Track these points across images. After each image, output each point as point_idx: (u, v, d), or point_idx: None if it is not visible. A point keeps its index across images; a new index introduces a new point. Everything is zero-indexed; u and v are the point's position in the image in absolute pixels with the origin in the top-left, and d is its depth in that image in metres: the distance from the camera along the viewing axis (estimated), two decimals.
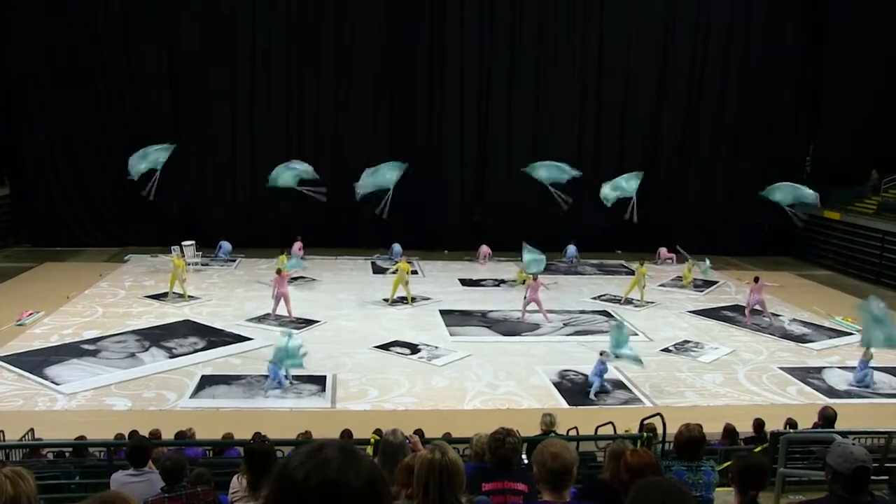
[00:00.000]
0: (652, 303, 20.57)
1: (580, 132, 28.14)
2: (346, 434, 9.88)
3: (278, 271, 18.23)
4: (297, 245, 23.79)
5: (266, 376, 13.80)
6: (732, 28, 28.00)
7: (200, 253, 23.92)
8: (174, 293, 19.62)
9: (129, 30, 25.80)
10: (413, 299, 19.88)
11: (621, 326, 14.79)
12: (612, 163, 28.44)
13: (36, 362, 14.63)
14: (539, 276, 19.13)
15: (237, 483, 5.08)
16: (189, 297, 19.53)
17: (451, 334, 17.45)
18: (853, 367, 15.48)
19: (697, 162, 28.59)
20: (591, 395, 13.79)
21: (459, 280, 22.96)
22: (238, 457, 8.38)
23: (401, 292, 19.81)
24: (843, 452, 3.44)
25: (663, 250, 25.67)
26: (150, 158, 21.40)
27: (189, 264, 23.09)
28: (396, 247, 24.66)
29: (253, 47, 26.61)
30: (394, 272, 20.07)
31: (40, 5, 24.94)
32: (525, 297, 18.68)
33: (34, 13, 24.98)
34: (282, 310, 18.03)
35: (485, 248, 25.51)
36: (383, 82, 27.26)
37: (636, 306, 20.16)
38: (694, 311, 19.97)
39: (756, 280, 18.76)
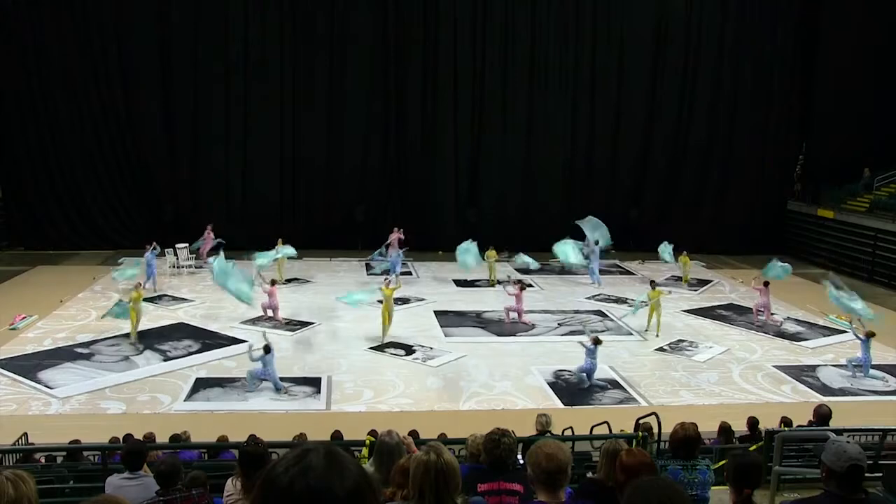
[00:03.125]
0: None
1: (574, 132, 28.18)
2: (337, 435, 9.86)
3: (272, 282, 18.24)
4: (209, 234, 23.67)
5: (264, 379, 13.78)
6: (725, 27, 28.06)
7: (194, 255, 23.87)
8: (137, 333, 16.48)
9: (120, 31, 25.72)
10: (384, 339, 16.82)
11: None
12: (606, 163, 28.54)
13: (29, 366, 14.58)
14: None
15: (232, 486, 5.06)
16: (136, 335, 16.29)
17: (446, 335, 17.44)
18: (846, 365, 15.56)
19: (691, 161, 28.64)
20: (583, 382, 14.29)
21: (454, 281, 22.94)
22: (233, 459, 8.36)
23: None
24: (837, 450, 3.44)
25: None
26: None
27: (182, 266, 23.13)
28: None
29: (246, 47, 26.56)
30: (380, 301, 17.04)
31: (31, 7, 24.85)
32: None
33: (24, 15, 24.88)
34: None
35: None
36: (378, 83, 27.26)
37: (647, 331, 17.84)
38: (688, 311, 19.99)
39: (766, 284, 18.74)
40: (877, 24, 27.03)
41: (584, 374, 14.35)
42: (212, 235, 23.64)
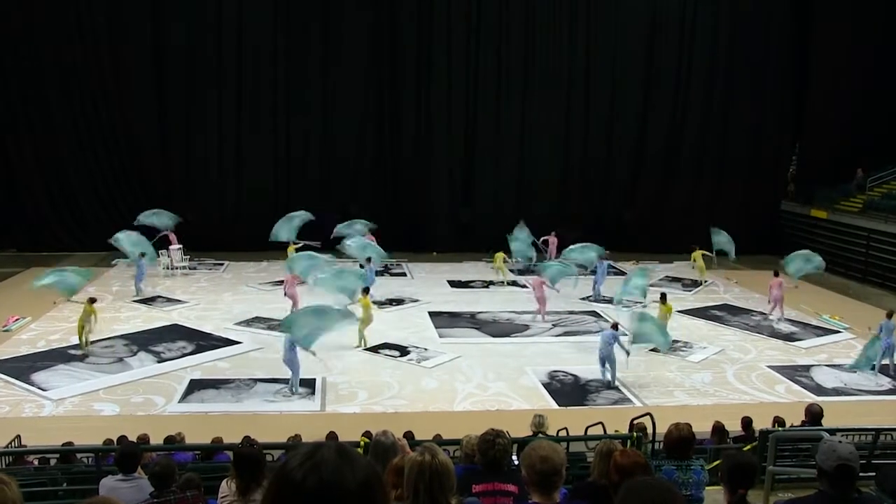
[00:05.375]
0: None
1: (567, 133, 28.19)
2: (332, 436, 9.86)
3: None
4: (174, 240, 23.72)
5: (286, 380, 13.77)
6: (718, 27, 28.12)
7: (188, 256, 23.83)
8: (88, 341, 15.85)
9: (113, 32, 25.67)
10: (365, 343, 16.42)
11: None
12: (600, 163, 28.56)
13: (23, 368, 14.54)
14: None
15: (226, 487, 5.05)
16: (88, 344, 15.72)
17: (441, 336, 17.44)
18: (840, 365, 15.64)
19: (684, 162, 28.68)
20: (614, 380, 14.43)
21: (448, 281, 22.93)
22: (227, 461, 8.34)
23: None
24: (828, 450, 3.46)
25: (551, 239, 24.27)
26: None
27: (177, 267, 23.08)
28: (355, 241, 21.42)
29: (239, 48, 26.53)
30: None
31: (23, 4, 24.77)
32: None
33: (16, 13, 24.79)
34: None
35: None
36: (371, 83, 27.24)
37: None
38: (683, 311, 19.99)
39: (776, 274, 18.81)
40: (870, 25, 27.11)
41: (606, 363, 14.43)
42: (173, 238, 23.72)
